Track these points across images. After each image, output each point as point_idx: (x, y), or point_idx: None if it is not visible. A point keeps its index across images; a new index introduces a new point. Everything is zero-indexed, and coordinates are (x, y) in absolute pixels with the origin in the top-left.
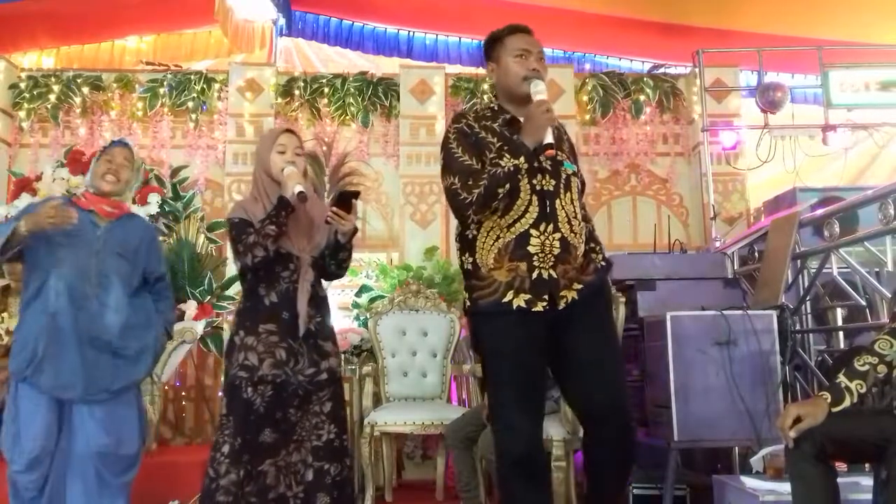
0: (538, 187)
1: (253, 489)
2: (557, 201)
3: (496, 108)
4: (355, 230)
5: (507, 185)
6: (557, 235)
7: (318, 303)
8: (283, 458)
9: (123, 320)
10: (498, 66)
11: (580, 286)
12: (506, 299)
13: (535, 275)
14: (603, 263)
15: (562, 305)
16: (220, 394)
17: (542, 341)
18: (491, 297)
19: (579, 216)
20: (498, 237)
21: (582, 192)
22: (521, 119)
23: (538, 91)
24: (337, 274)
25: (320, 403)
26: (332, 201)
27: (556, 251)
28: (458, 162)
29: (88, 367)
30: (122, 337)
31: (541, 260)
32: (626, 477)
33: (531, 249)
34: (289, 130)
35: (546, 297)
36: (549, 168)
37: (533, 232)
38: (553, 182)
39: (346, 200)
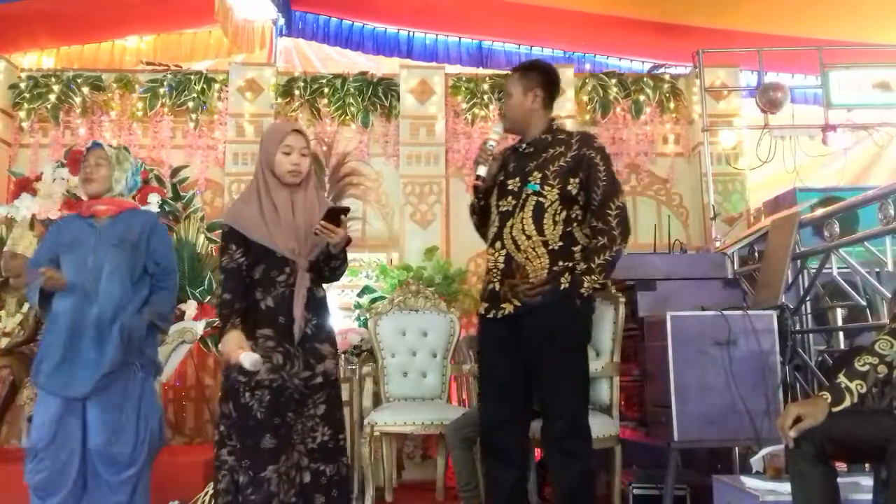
0: (501, 209)
1: (257, 497)
2: (510, 220)
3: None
4: (348, 241)
5: (475, 217)
6: (503, 252)
7: (315, 305)
8: (283, 464)
9: (118, 311)
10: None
11: (518, 304)
12: (479, 308)
13: (489, 287)
14: (566, 286)
15: (499, 315)
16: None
17: (505, 343)
18: (479, 307)
19: (533, 232)
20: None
21: (602, 204)
22: (521, 148)
23: (493, 131)
24: (331, 279)
25: (315, 406)
26: (321, 216)
27: (501, 266)
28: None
29: (89, 362)
30: (118, 330)
31: (493, 274)
32: (570, 479)
33: (489, 265)
34: (296, 130)
35: (493, 307)
36: (515, 190)
37: (490, 250)
38: (513, 202)
39: (335, 216)
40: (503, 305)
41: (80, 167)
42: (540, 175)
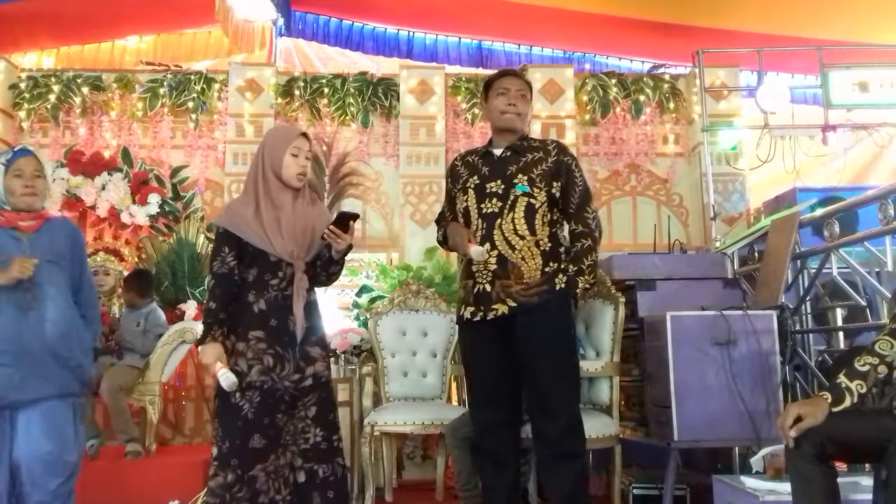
0: (484, 210)
1: (245, 494)
2: (498, 221)
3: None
4: (349, 248)
5: (448, 245)
6: (494, 253)
7: (307, 308)
8: (272, 463)
9: (63, 329)
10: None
11: (514, 304)
12: (461, 311)
13: (476, 289)
14: (562, 286)
15: (490, 316)
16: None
17: (489, 348)
18: (458, 311)
19: (526, 233)
20: (462, 258)
21: (579, 209)
22: (496, 152)
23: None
24: (325, 283)
25: (305, 408)
26: (332, 220)
27: (493, 267)
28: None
29: (29, 374)
30: (63, 346)
31: (481, 275)
32: (570, 480)
33: (473, 268)
34: (304, 134)
35: (482, 309)
36: (499, 192)
37: None
38: (499, 204)
39: (344, 221)
40: (495, 306)
41: (8, 174)
42: (526, 178)
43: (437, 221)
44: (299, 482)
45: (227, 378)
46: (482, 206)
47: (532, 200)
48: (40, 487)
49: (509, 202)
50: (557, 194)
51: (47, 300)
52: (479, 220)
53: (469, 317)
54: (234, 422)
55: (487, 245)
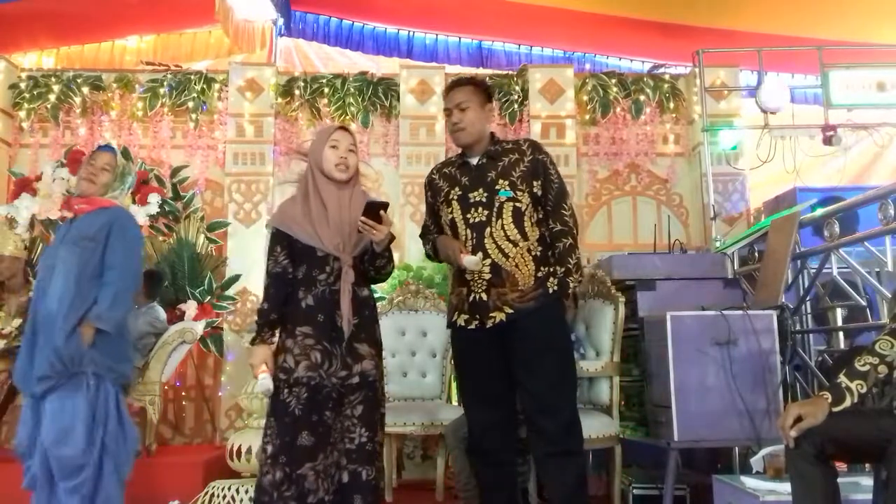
0: (471, 221)
1: (294, 493)
2: (488, 230)
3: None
4: (392, 238)
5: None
6: (488, 262)
7: (358, 304)
8: (321, 462)
9: (66, 309)
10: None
11: (511, 311)
12: (453, 318)
13: (471, 298)
14: (555, 288)
15: (489, 325)
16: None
17: (485, 353)
18: (449, 317)
19: (518, 238)
20: (453, 267)
21: (556, 206)
22: (472, 161)
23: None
24: (378, 279)
25: (351, 407)
26: (362, 212)
27: (488, 276)
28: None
29: (39, 357)
30: (62, 328)
31: (476, 284)
32: (570, 480)
33: (467, 276)
34: (343, 128)
35: (477, 316)
36: (483, 200)
37: None
38: (485, 213)
39: (374, 211)
40: (493, 315)
41: (84, 163)
42: (507, 182)
43: (422, 235)
44: (343, 482)
45: (263, 384)
46: (468, 216)
47: (517, 204)
48: (48, 478)
49: (495, 209)
50: (539, 193)
51: (55, 278)
52: (468, 231)
53: (463, 324)
54: (282, 419)
55: (480, 254)
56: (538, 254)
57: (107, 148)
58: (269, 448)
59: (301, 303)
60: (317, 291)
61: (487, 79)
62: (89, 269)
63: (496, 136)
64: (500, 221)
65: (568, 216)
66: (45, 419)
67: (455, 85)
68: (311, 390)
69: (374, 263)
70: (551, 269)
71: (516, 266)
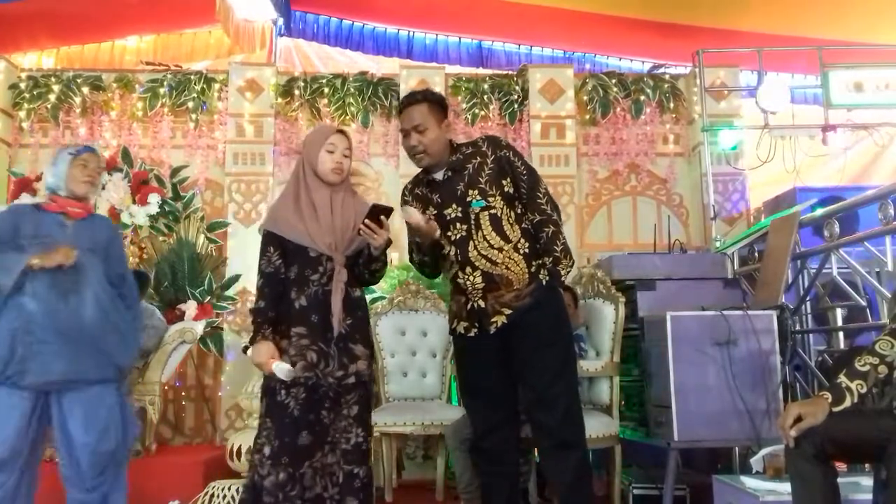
0: (453, 238)
1: (298, 492)
2: (470, 244)
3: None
4: (389, 242)
5: (427, 270)
6: (478, 273)
7: (351, 304)
8: (318, 460)
9: (102, 314)
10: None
11: (510, 311)
12: (453, 325)
13: (469, 306)
14: (547, 279)
15: (492, 330)
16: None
17: (486, 355)
18: (450, 323)
19: (502, 244)
20: (449, 272)
21: (531, 197)
22: (437, 177)
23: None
24: (371, 281)
25: (348, 407)
26: (364, 214)
27: (481, 285)
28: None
29: (70, 359)
30: (100, 331)
31: (472, 294)
32: (569, 471)
33: (461, 286)
34: (340, 131)
35: (477, 324)
36: (459, 216)
37: (459, 275)
38: (464, 228)
39: (377, 215)
40: (494, 319)
41: (74, 164)
42: (476, 192)
43: (411, 259)
44: (339, 482)
45: (282, 369)
46: (449, 234)
47: (492, 210)
48: (78, 474)
49: (472, 222)
50: (511, 190)
51: (88, 286)
52: (452, 248)
53: (463, 332)
54: (281, 420)
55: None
56: (527, 250)
57: (90, 149)
58: (268, 449)
59: (294, 303)
60: (310, 292)
61: (488, 78)
62: (115, 282)
63: (454, 143)
64: (480, 233)
65: (545, 203)
66: (78, 418)
67: (409, 103)
68: (308, 390)
69: (369, 266)
70: (540, 262)
71: (507, 269)
